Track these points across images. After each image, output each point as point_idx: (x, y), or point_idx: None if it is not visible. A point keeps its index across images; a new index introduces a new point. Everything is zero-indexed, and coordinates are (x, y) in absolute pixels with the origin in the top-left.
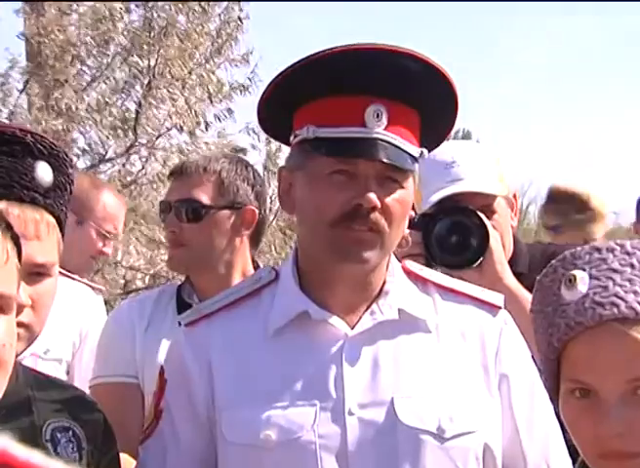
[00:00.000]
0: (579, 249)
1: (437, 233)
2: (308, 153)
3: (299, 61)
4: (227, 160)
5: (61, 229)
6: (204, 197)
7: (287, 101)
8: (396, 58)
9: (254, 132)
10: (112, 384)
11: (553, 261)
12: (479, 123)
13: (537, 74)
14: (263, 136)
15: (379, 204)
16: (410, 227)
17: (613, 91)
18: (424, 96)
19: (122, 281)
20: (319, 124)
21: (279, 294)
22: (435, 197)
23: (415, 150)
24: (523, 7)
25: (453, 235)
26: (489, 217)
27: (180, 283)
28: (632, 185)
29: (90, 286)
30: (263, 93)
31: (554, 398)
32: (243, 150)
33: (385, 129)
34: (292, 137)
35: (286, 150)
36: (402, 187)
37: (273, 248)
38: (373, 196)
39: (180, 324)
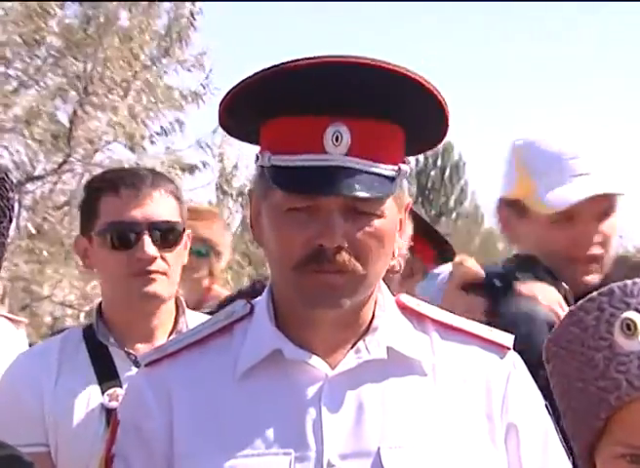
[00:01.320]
0: (629, 283)
1: (505, 315)
2: (267, 184)
3: (248, 77)
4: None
5: None
6: (178, 218)
7: (246, 119)
8: (356, 71)
9: (207, 146)
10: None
11: (595, 294)
12: (463, 134)
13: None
14: (217, 151)
15: (344, 243)
16: (475, 291)
17: (609, 107)
18: (396, 106)
19: (49, 319)
20: (274, 150)
21: (252, 331)
22: (562, 198)
23: (390, 169)
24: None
25: (521, 326)
26: (606, 221)
27: (85, 324)
28: (635, 208)
29: (9, 318)
30: (219, 109)
31: (582, 454)
32: (193, 168)
33: (350, 152)
34: (255, 159)
35: (243, 168)
36: (377, 217)
37: (229, 277)
38: (336, 235)
39: (138, 365)
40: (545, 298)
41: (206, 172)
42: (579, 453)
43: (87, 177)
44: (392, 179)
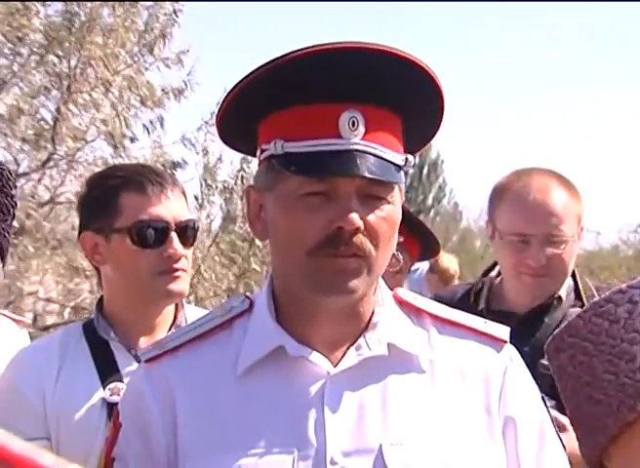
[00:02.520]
0: None
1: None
2: (278, 172)
3: (255, 70)
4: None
5: (3, 257)
6: (194, 216)
7: (248, 114)
8: (368, 57)
9: (190, 143)
10: None
11: (624, 287)
12: (441, 132)
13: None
14: (200, 147)
15: (362, 225)
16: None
17: (592, 110)
18: (404, 96)
19: (31, 315)
20: (288, 138)
21: (252, 327)
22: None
23: (399, 158)
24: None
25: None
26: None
27: (85, 319)
28: (613, 205)
29: (13, 318)
30: (218, 111)
31: (596, 447)
32: (179, 164)
33: (364, 138)
34: (258, 152)
35: (227, 162)
36: (388, 202)
37: (214, 275)
38: (355, 216)
39: (139, 360)
40: None
41: (190, 167)
42: (593, 446)
43: (71, 174)
44: (400, 168)
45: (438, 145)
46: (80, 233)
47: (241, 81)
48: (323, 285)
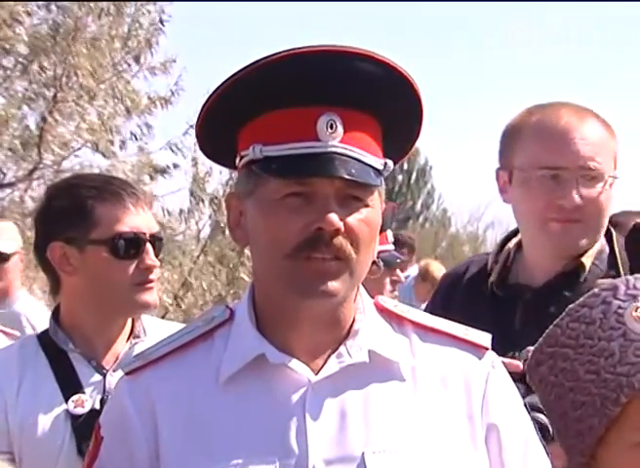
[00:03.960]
0: (631, 278)
1: None
2: (257, 176)
3: (233, 75)
4: None
5: None
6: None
7: (227, 121)
8: (346, 61)
9: (177, 147)
10: None
11: (596, 290)
12: (429, 138)
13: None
14: (188, 153)
15: (342, 226)
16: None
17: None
18: (382, 100)
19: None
20: (266, 142)
21: (233, 337)
22: None
23: (378, 162)
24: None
25: None
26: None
27: (38, 333)
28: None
29: (3, 331)
30: (198, 118)
31: (584, 452)
32: (165, 170)
33: (342, 141)
34: (237, 160)
35: (216, 172)
36: (367, 206)
37: (201, 284)
38: (334, 217)
39: (100, 372)
40: None
41: (178, 175)
42: (580, 452)
43: None
44: (379, 172)
45: (426, 151)
46: (45, 243)
47: (217, 89)
48: (303, 287)
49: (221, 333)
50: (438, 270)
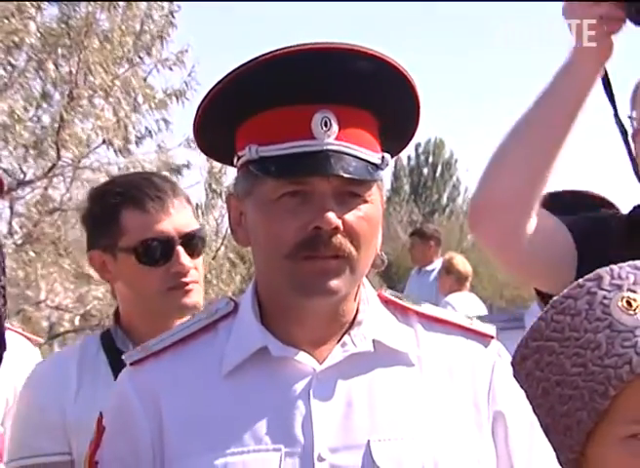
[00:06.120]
0: (615, 268)
1: None
2: (254, 177)
3: (226, 75)
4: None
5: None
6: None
7: (223, 121)
8: (336, 58)
9: (194, 143)
10: (32, 466)
11: (580, 281)
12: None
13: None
14: None
15: (340, 224)
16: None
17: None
18: (376, 94)
19: (46, 323)
20: (262, 142)
21: (236, 329)
22: None
23: (375, 157)
24: None
25: None
26: None
27: (102, 331)
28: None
29: (27, 337)
30: (194, 123)
31: (574, 449)
32: (184, 167)
33: (337, 137)
34: (235, 160)
35: (232, 168)
36: (366, 202)
37: (220, 279)
38: (332, 216)
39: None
40: None
41: (194, 170)
42: (569, 448)
43: (77, 181)
44: (377, 167)
45: (451, 145)
46: (89, 250)
47: (211, 89)
48: (304, 287)
49: (225, 325)
50: (462, 263)
